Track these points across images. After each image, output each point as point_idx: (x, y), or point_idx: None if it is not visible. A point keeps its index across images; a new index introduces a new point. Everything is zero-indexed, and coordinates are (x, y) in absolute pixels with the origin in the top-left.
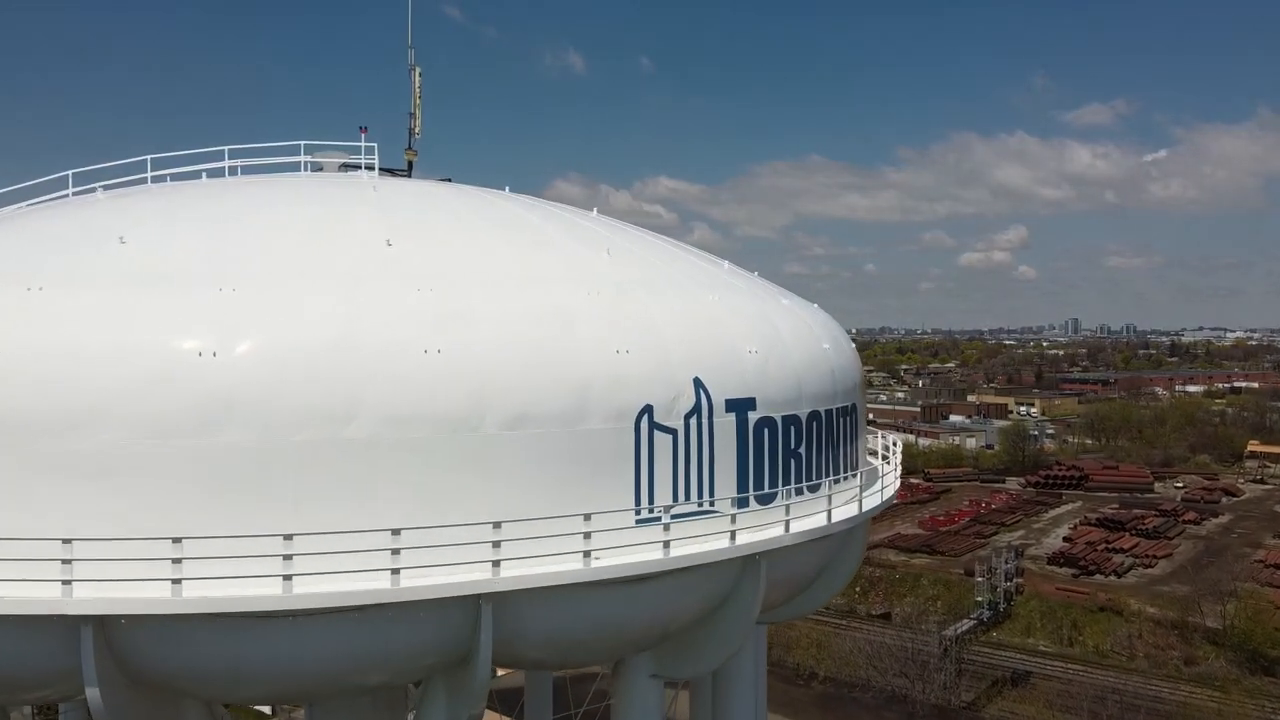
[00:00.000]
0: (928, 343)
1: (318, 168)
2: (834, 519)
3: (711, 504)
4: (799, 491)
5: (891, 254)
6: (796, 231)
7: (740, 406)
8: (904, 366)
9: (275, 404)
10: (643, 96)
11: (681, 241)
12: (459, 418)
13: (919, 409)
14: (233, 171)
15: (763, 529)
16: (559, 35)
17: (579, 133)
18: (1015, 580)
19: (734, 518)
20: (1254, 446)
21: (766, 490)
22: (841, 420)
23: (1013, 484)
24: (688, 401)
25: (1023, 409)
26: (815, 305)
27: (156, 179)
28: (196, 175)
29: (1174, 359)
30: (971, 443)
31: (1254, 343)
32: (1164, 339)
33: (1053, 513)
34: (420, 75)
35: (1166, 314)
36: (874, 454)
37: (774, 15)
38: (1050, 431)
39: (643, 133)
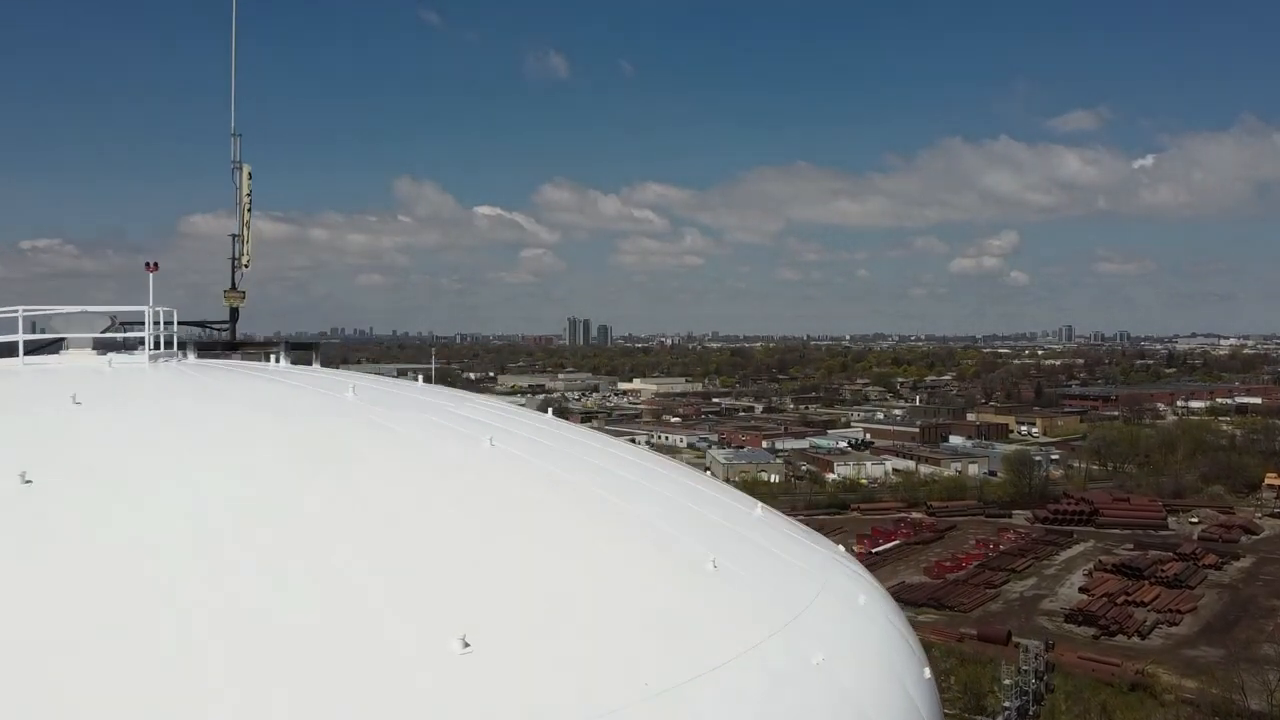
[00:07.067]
0: (923, 351)
1: (61, 345)
2: None
3: None
4: None
5: (884, 260)
6: (788, 237)
7: None
8: (900, 379)
9: None
10: (629, 101)
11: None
12: None
13: (918, 429)
14: None
15: None
16: (542, 40)
17: (566, 138)
18: (1045, 678)
19: None
20: (1272, 479)
21: None
22: None
23: (1020, 518)
24: None
25: (1024, 429)
26: (883, 621)
27: None
28: None
29: (1172, 369)
30: (974, 469)
31: (1250, 351)
32: (1158, 346)
33: (1064, 555)
34: (250, 178)
35: (1159, 320)
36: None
37: (761, 21)
38: (1055, 456)
39: (630, 137)
